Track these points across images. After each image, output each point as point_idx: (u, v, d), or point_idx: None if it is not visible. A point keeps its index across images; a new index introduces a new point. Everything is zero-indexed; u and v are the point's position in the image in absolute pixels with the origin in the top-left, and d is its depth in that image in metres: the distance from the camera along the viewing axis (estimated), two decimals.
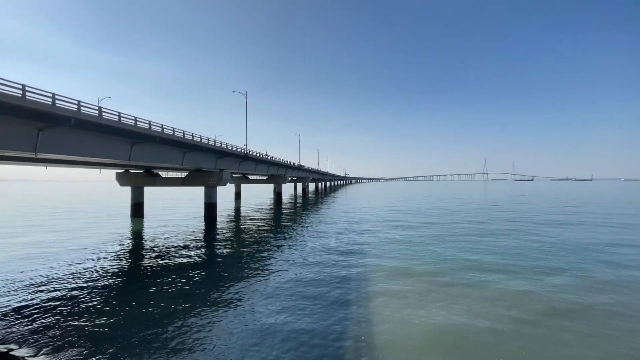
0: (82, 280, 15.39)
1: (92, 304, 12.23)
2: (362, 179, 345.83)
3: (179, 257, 19.76)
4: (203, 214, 38.40)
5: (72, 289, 14.03)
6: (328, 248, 21.86)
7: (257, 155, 46.87)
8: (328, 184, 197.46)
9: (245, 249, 22.04)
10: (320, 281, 14.65)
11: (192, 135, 29.72)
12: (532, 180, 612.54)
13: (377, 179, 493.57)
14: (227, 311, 11.48)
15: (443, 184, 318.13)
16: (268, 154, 52.79)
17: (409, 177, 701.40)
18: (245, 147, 43.73)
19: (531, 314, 11.25)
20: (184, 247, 22.93)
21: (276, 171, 60.06)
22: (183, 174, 40.62)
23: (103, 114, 19.79)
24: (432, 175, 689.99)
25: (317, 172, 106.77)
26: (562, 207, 55.39)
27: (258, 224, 34.47)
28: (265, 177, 68.40)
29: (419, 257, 19.42)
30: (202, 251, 21.64)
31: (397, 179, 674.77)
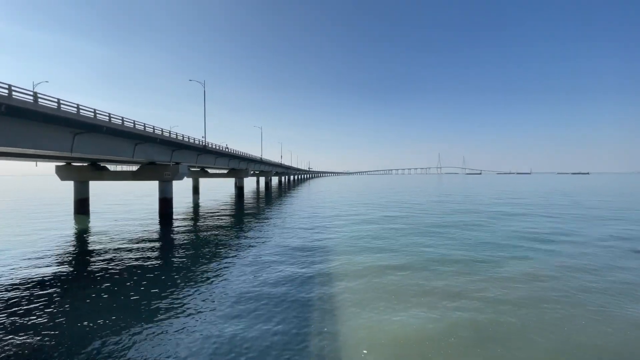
0: (13, 289, 13.62)
1: (24, 318, 10.77)
2: (325, 172, 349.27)
3: (129, 260, 18.17)
4: (157, 211, 36.22)
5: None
6: (291, 246, 21.33)
7: (217, 147, 45.20)
8: (292, 177, 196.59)
9: (204, 249, 20.93)
10: (283, 282, 14.13)
11: (144, 126, 27.79)
12: (480, 174, 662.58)
13: (339, 173, 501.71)
14: (178, 320, 10.44)
15: (401, 177, 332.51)
16: (229, 146, 51.19)
17: (370, 171, 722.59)
18: (203, 139, 41.90)
19: (489, 301, 12.30)
20: (135, 248, 21.18)
21: (237, 165, 58.43)
22: (135, 168, 37.89)
23: (39, 100, 17.74)
24: (392, 169, 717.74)
25: (281, 165, 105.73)
26: (506, 199, 60.67)
27: (218, 220, 33.16)
28: (225, 171, 66.26)
29: (382, 251, 20.06)
30: (156, 252, 19.99)
31: (359, 172, 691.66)
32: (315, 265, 16.82)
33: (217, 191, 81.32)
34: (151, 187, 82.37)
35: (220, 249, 20.89)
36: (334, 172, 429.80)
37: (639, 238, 24.04)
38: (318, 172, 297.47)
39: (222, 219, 33.82)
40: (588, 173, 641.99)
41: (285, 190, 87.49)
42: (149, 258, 18.68)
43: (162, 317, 10.90)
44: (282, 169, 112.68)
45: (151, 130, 28.66)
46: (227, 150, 49.10)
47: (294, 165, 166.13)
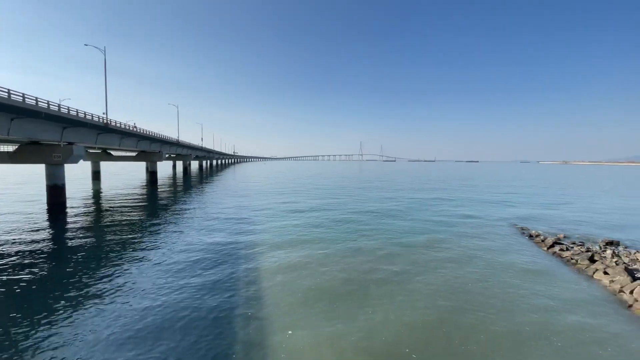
0: None
1: None
2: (252, 157, 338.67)
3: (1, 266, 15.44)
4: (46, 200, 30.60)
5: None
6: (209, 242, 18.79)
7: (123, 127, 39.94)
8: (215, 162, 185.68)
9: (105, 246, 17.95)
10: (195, 295, 11.78)
11: (24, 96, 22.96)
12: (394, 161, 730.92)
13: (267, 158, 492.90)
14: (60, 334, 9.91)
15: (327, 163, 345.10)
16: (137, 126, 45.69)
17: (297, 157, 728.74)
18: (104, 116, 36.55)
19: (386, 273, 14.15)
20: (12, 247, 17.96)
21: (149, 147, 52.70)
22: (12, 147, 31.11)
23: None
24: (318, 156, 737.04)
25: (202, 149, 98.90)
26: (418, 183, 68.56)
27: (124, 211, 29.24)
28: (134, 154, 59.08)
29: (308, 240, 20.81)
30: (41, 253, 16.63)
31: (287, 158, 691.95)
32: (235, 273, 13.98)
33: (124, 177, 72.16)
34: (34, 173, 68.48)
35: (125, 245, 18.16)
36: (261, 158, 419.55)
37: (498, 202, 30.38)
38: (244, 157, 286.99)
39: (129, 210, 30.14)
40: (477, 161, 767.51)
41: (207, 176, 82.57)
42: (32, 259, 15.56)
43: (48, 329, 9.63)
44: (203, 153, 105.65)
45: (33, 101, 23.83)
46: (135, 129, 43.80)
47: (217, 149, 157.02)
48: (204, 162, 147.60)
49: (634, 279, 13.02)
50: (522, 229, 23.64)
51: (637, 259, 15.98)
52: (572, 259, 16.43)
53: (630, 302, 11.46)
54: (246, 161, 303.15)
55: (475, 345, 8.93)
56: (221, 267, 14.73)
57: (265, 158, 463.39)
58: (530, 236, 21.57)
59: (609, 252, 17.14)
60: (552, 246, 18.67)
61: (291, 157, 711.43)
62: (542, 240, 19.99)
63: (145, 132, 47.60)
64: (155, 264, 15.00)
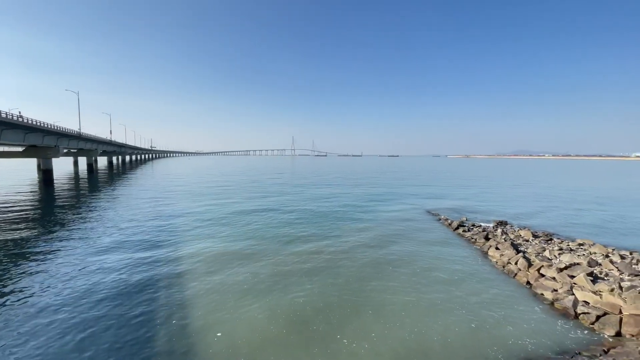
0: None
1: None
2: (173, 152, 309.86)
3: None
4: None
5: None
6: (115, 262, 14.94)
7: (3, 116, 32.42)
8: (128, 158, 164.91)
9: None
10: (109, 302, 10.80)
11: None
12: (325, 155, 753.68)
13: (192, 153, 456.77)
14: None
15: (259, 158, 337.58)
16: (23, 115, 37.59)
17: (227, 152, 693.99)
18: None
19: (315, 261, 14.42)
20: None
21: (41, 140, 44.01)
22: None
23: None
24: (249, 150, 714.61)
25: (110, 143, 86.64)
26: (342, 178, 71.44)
27: (8, 219, 24.10)
28: (21, 149, 48.75)
29: (230, 242, 19.99)
30: None
31: (215, 153, 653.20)
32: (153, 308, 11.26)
33: (7, 177, 59.10)
34: None
35: (7, 261, 15.03)
36: (185, 153, 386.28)
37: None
38: (164, 152, 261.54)
39: (15, 218, 24.69)
40: (398, 156, 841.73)
41: (119, 173, 72.81)
42: None
43: None
44: (112, 147, 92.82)
45: None
46: (20, 120, 36.00)
47: (131, 142, 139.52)
48: (115, 158, 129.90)
49: (517, 252, 15.86)
50: (435, 214, 26.75)
51: (520, 235, 19.51)
52: (471, 238, 19.25)
53: (515, 272, 13.94)
54: (167, 156, 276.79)
55: (391, 306, 10.37)
56: (131, 298, 11.42)
57: (189, 153, 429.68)
58: (440, 220, 24.56)
59: (499, 231, 20.56)
60: (457, 228, 21.57)
61: (219, 152, 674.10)
62: (450, 224, 22.94)
63: (35, 123, 39.45)
64: (56, 273, 12.62)
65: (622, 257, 15.06)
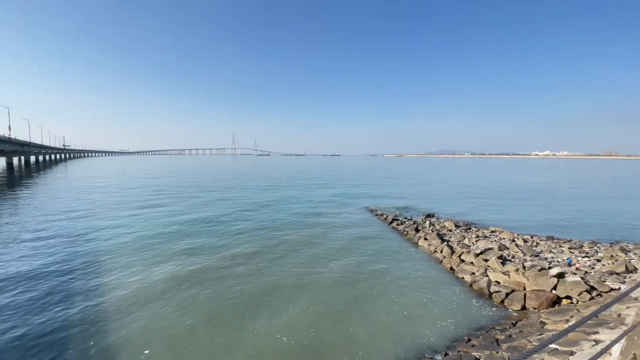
0: None
1: None
2: (92, 152, 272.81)
3: None
4: None
5: None
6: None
7: None
8: (33, 158, 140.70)
9: None
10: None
11: None
12: (268, 155, 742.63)
13: (115, 153, 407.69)
14: None
15: (195, 158, 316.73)
16: None
17: (158, 151, 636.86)
18: None
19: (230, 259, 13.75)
20: None
21: None
22: None
23: None
24: (184, 149, 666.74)
25: (9, 141, 72.77)
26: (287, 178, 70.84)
27: None
28: None
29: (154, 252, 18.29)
30: None
31: (144, 152, 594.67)
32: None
33: None
34: None
35: None
36: (107, 152, 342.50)
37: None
38: (81, 151, 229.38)
39: None
40: (339, 155, 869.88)
41: (21, 177, 61.37)
42: None
43: None
44: (11, 147, 78.12)
45: None
46: None
47: (37, 141, 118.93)
48: (16, 159, 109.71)
49: (442, 241, 17.30)
50: (372, 210, 27.97)
51: (445, 226, 21.36)
52: (404, 231, 20.51)
53: (440, 259, 15.14)
54: (84, 156, 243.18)
55: (325, 296, 10.51)
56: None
57: (113, 152, 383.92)
58: (377, 215, 25.75)
59: (427, 222, 22.27)
60: (391, 222, 22.80)
61: (149, 152, 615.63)
62: (385, 218, 24.18)
63: None
64: None
65: (525, 241, 17.45)
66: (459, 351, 8.08)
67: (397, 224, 22.13)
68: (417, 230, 20.10)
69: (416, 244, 17.99)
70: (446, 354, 8.06)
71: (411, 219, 23.95)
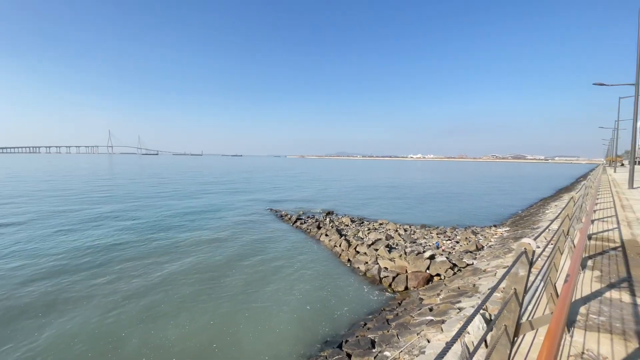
0: None
1: None
2: None
3: None
4: None
5: None
6: None
7: None
8: None
9: None
10: None
11: None
12: (157, 154, 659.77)
13: None
14: None
15: (53, 157, 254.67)
16: None
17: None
18: None
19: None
20: None
21: None
22: None
23: None
24: (38, 147, 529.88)
25: None
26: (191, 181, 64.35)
27: None
28: None
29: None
30: None
31: None
32: None
33: None
34: None
35: None
36: None
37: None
38: None
39: None
40: (242, 155, 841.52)
41: None
42: None
43: None
44: None
45: None
46: None
47: None
48: None
49: (341, 235, 18.64)
50: (276, 211, 28.02)
51: (343, 222, 23.08)
52: (307, 229, 21.28)
53: (339, 252, 16.27)
54: None
55: (227, 302, 9.71)
56: None
57: None
58: (281, 216, 25.95)
59: (328, 220, 23.66)
60: (295, 221, 23.32)
61: None
62: (289, 218, 24.58)
63: None
64: None
65: (405, 230, 20.39)
66: (357, 336, 8.79)
67: (301, 223, 22.76)
68: (319, 228, 21.10)
69: (319, 241, 18.86)
70: (346, 341, 8.66)
71: (313, 217, 25.00)
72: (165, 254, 15.73)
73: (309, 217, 25.37)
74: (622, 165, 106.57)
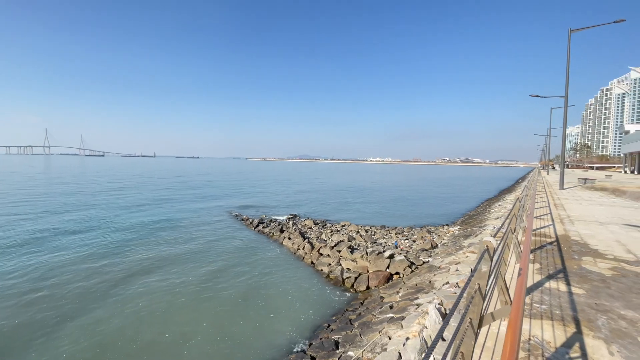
0: None
1: None
2: None
3: None
4: None
5: None
6: None
7: None
8: None
9: None
10: None
11: None
12: (102, 156, 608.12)
13: None
14: None
15: None
16: None
17: None
18: None
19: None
20: None
21: None
22: None
23: None
24: None
25: None
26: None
27: None
28: None
29: None
30: None
31: None
32: None
33: None
34: None
35: None
36: None
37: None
38: None
39: None
40: (198, 157, 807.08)
41: None
42: None
43: None
44: None
45: None
46: None
47: None
48: None
49: (304, 238, 18.55)
50: (237, 215, 27.15)
51: (306, 225, 23.01)
52: (270, 233, 20.88)
53: (303, 255, 16.16)
54: None
55: (187, 311, 9.00)
56: None
57: None
58: (242, 220, 25.19)
59: (291, 223, 23.44)
60: (257, 225, 22.77)
61: None
62: (251, 222, 23.94)
63: None
64: None
65: (366, 231, 20.89)
66: (321, 338, 8.76)
67: (263, 227, 22.27)
68: (282, 231, 20.80)
69: (282, 244, 18.58)
70: (310, 344, 8.59)
71: (276, 221, 24.62)
72: (116, 266, 14.44)
73: (271, 220, 24.93)
74: (554, 168, 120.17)
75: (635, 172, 59.34)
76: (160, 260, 15.07)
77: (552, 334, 3.76)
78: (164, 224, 22.74)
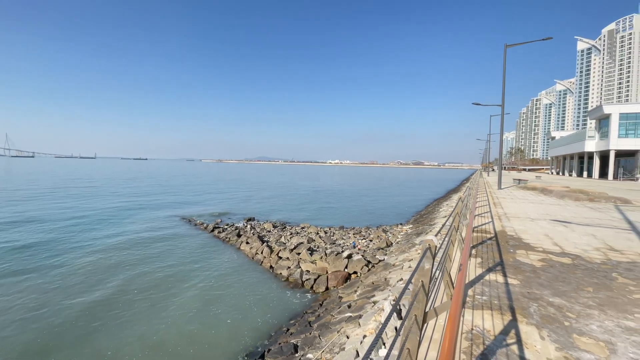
0: None
1: None
2: None
3: None
4: None
5: None
6: None
7: None
8: None
9: None
10: None
11: None
12: (32, 156, 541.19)
13: None
14: None
15: None
16: None
17: None
18: None
19: None
20: None
21: None
22: None
23: None
24: None
25: None
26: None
27: None
28: None
29: None
30: None
31: None
32: None
33: None
34: None
35: None
36: None
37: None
38: None
39: None
40: (147, 159, 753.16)
41: None
42: None
43: None
44: None
45: None
46: None
47: None
48: None
49: (263, 242, 18.21)
50: (190, 220, 25.78)
51: (264, 228, 22.60)
52: (226, 237, 20.15)
53: (262, 260, 15.85)
54: None
55: (138, 321, 8.35)
56: None
57: None
58: (196, 225, 23.99)
59: (248, 227, 22.86)
60: (212, 230, 21.85)
61: None
62: (205, 227, 22.90)
63: None
64: None
65: (325, 232, 21.14)
66: (279, 343, 8.65)
67: (219, 232, 21.42)
68: (239, 236, 20.19)
69: (239, 249, 18.03)
70: (269, 350, 8.44)
71: (233, 225, 23.84)
72: (59, 276, 12.84)
73: (227, 224, 24.08)
74: (493, 170, 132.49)
75: (560, 173, 67.85)
76: (109, 268, 13.78)
77: (491, 323, 4.12)
78: (110, 230, 20.77)
